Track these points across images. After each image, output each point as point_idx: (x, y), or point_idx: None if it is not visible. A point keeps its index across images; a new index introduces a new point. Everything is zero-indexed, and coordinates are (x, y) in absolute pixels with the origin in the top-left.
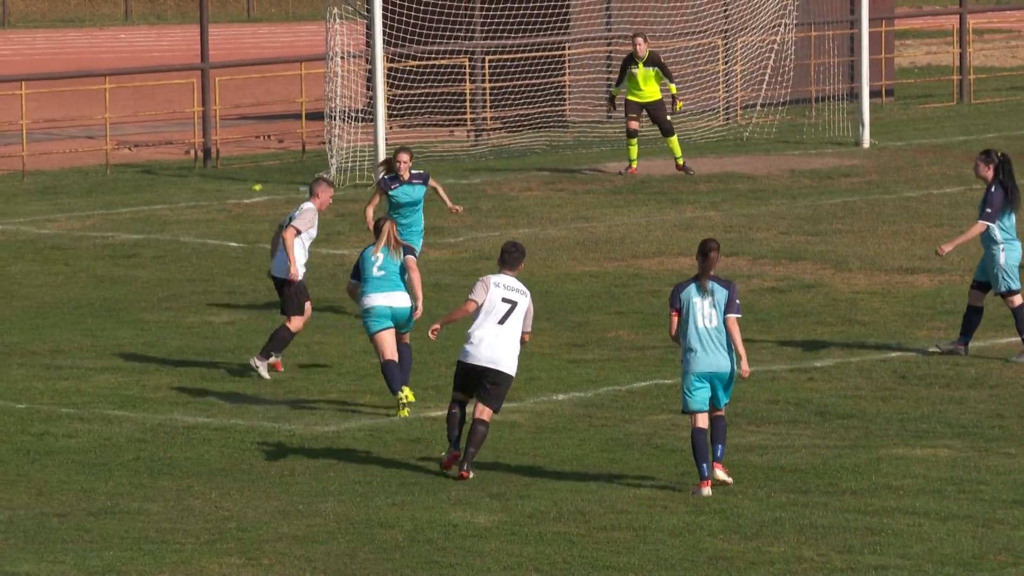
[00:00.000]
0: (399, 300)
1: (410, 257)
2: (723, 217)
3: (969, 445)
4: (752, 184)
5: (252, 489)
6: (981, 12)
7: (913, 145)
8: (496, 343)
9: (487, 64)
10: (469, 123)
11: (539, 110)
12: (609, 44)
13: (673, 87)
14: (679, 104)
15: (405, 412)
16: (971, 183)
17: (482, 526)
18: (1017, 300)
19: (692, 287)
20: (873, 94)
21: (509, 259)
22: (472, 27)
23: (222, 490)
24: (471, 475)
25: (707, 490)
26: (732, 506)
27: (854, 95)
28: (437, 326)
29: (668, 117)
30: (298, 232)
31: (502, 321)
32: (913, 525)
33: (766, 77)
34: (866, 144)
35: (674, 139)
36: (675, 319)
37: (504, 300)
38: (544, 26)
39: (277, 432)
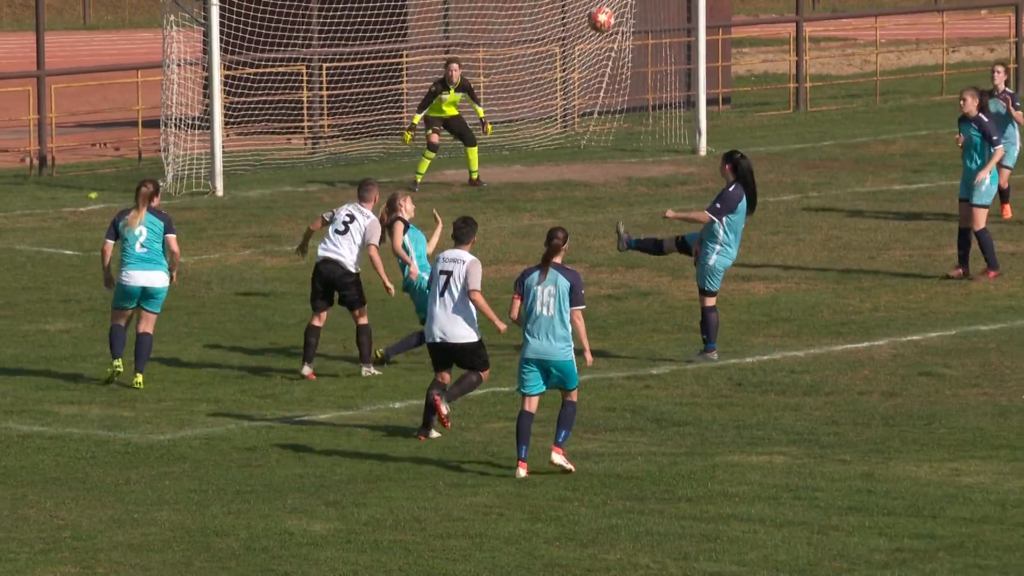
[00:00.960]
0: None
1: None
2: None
3: (804, 452)
4: (589, 192)
5: (87, 498)
6: (817, 20)
7: (750, 152)
8: (442, 315)
9: (325, 72)
10: (306, 131)
11: (377, 118)
12: (447, 51)
13: (480, 111)
14: (489, 128)
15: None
16: (807, 191)
17: (318, 534)
18: (710, 302)
19: (536, 274)
20: (710, 102)
21: (458, 233)
22: (310, 34)
23: (57, 499)
24: (448, 417)
25: (522, 471)
26: (568, 513)
27: (691, 103)
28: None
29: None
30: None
31: (442, 293)
32: (748, 532)
33: (603, 85)
34: (703, 152)
35: (474, 151)
36: (516, 303)
37: (442, 272)
38: (382, 33)
39: (112, 441)
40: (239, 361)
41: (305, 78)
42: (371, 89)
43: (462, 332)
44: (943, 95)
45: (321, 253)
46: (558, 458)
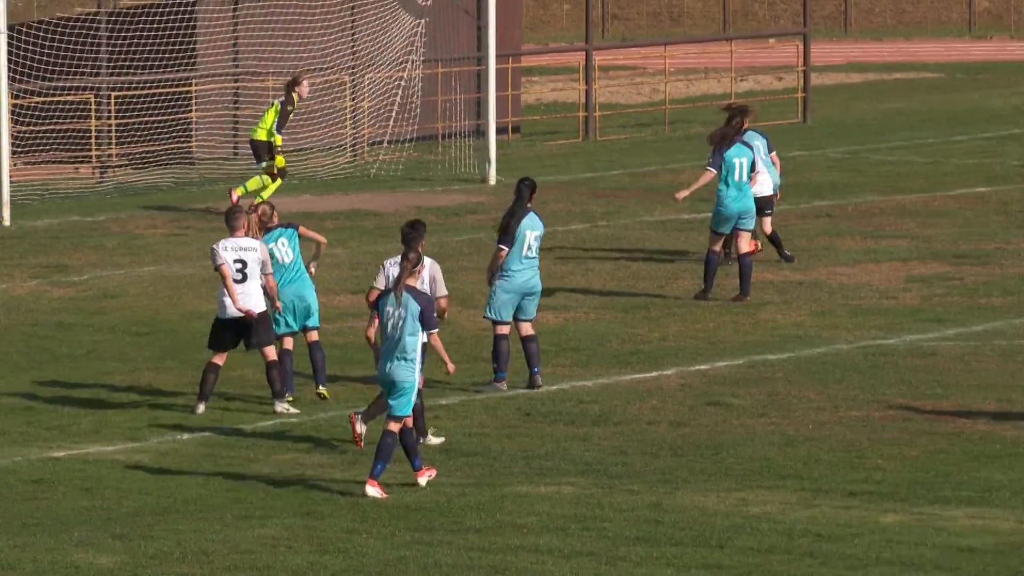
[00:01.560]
0: None
1: None
2: (350, 254)
3: (593, 482)
4: (379, 221)
5: None
6: (606, 49)
7: (539, 181)
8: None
9: (113, 100)
10: (95, 160)
11: (165, 147)
12: (236, 80)
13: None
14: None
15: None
16: (596, 220)
17: (104, 567)
18: (502, 330)
19: (390, 295)
20: (500, 131)
21: (404, 239)
22: (98, 63)
23: None
24: (362, 437)
25: (371, 490)
26: (356, 545)
27: (480, 132)
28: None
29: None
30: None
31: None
32: (536, 563)
33: (393, 114)
34: (493, 181)
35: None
36: (375, 322)
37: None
38: (171, 62)
39: None
40: (26, 392)
41: (93, 107)
42: (160, 118)
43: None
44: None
45: (228, 313)
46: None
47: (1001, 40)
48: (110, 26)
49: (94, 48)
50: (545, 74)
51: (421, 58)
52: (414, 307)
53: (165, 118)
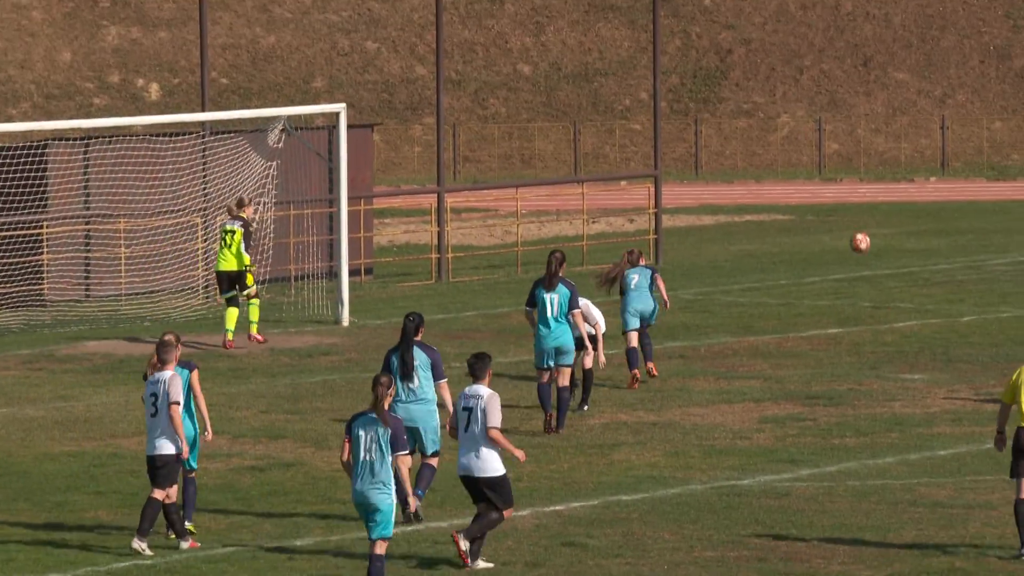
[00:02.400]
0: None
1: None
2: (204, 396)
3: None
4: (232, 363)
5: None
6: (458, 191)
7: (392, 323)
8: (467, 450)
9: None
10: None
11: (17, 289)
12: (88, 223)
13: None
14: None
15: None
16: (449, 361)
17: None
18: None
19: (362, 418)
20: (352, 272)
21: (472, 370)
22: None
23: None
24: (467, 554)
25: None
26: None
27: (333, 274)
28: None
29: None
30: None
31: (466, 429)
32: None
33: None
34: (345, 323)
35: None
36: (346, 446)
37: (464, 409)
38: (21, 204)
39: None
40: None
41: None
42: (11, 260)
43: (484, 467)
44: (584, 265)
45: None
46: None
47: (851, 182)
48: None
49: None
50: (397, 216)
51: (273, 200)
52: (384, 432)
53: (16, 260)
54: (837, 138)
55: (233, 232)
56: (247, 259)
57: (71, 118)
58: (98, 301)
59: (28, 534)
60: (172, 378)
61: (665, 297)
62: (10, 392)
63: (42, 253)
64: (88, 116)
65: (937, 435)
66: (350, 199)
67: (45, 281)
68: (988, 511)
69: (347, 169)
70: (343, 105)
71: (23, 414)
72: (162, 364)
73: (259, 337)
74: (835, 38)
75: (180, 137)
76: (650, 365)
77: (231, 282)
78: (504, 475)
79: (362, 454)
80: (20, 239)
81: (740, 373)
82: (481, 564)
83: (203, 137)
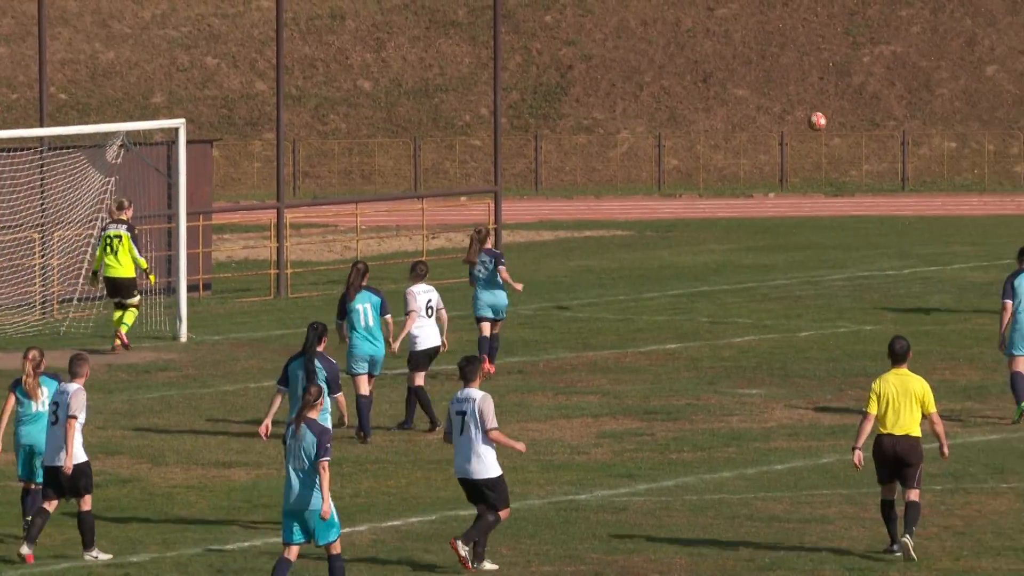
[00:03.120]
0: None
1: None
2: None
3: None
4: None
5: None
6: (297, 207)
7: (231, 339)
8: (463, 453)
9: None
10: None
11: None
12: None
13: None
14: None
15: None
16: None
17: None
18: None
19: (290, 429)
20: (191, 288)
21: (464, 373)
22: None
23: None
24: (467, 558)
25: None
26: None
27: (172, 289)
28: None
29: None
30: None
31: (461, 432)
32: None
33: (83, 271)
34: (183, 339)
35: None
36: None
37: (457, 413)
38: None
39: None
40: None
41: None
42: None
43: (484, 468)
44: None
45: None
46: None
47: (690, 198)
48: None
49: None
50: (237, 231)
51: (109, 216)
52: (310, 440)
53: None
54: (677, 154)
55: (119, 237)
56: (143, 262)
57: None
58: None
59: None
60: (76, 392)
61: (513, 284)
62: None
63: None
64: None
65: (774, 449)
66: (189, 215)
67: None
68: (824, 525)
69: (186, 185)
70: (182, 120)
71: None
72: (71, 377)
73: (126, 340)
74: (675, 54)
75: (17, 152)
76: (490, 365)
77: (118, 288)
78: (501, 475)
79: (292, 462)
80: None
81: (578, 388)
82: (487, 566)
83: (41, 153)
